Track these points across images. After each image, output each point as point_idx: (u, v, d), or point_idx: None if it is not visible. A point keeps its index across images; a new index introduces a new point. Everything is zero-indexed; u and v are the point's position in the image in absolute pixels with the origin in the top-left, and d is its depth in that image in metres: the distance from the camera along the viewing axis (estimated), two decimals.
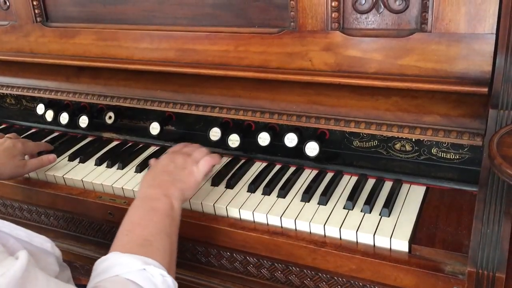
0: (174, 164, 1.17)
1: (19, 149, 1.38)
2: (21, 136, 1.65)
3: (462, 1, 1.05)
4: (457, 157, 1.21)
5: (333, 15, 1.18)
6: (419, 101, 1.16)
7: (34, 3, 1.56)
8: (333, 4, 1.17)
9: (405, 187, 1.21)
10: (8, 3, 1.61)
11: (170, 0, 1.38)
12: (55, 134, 1.67)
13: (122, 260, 0.90)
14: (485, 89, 1.06)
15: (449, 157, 1.22)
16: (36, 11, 1.57)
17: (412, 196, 1.17)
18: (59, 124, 1.63)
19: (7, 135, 1.46)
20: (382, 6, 1.14)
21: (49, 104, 1.68)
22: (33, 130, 1.72)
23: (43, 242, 0.99)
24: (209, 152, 1.25)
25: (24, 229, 0.98)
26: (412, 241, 1.04)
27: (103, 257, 0.93)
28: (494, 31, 1.04)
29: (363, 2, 1.15)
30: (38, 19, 1.58)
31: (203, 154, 1.23)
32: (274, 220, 1.16)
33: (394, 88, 1.17)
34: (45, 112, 1.65)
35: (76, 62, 1.55)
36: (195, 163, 1.19)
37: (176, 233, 1.06)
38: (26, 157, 1.44)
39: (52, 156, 1.43)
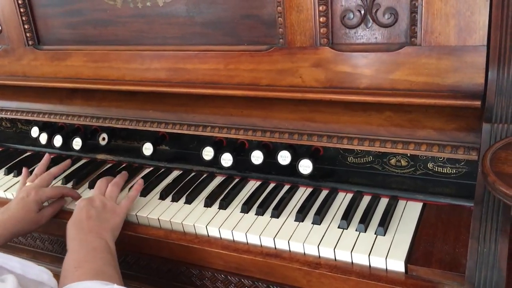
0: (94, 209, 1.20)
1: (32, 200, 1.28)
2: (18, 159, 1.65)
3: (451, 13, 1.03)
4: (454, 171, 1.18)
5: (321, 31, 1.17)
6: (413, 116, 1.13)
7: (26, 26, 1.56)
8: (321, 19, 1.16)
9: (401, 203, 1.18)
10: (0, 27, 1.61)
11: (160, 20, 1.37)
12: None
13: (83, 286, 0.89)
14: (478, 102, 1.03)
15: (445, 171, 1.19)
16: (28, 34, 1.57)
17: (409, 213, 1.14)
18: (53, 147, 1.62)
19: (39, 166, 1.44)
20: (371, 21, 1.12)
21: (44, 126, 1.67)
22: (28, 153, 1.71)
23: (39, 273, 0.98)
24: (118, 180, 1.33)
25: (19, 260, 0.97)
26: (408, 261, 1.01)
27: None
28: (485, 43, 1.02)
29: (352, 16, 1.13)
30: (30, 42, 1.58)
31: (116, 187, 1.30)
32: (267, 242, 1.14)
33: (387, 103, 1.15)
34: (39, 135, 1.64)
35: (68, 85, 1.55)
36: (113, 200, 1.25)
37: (118, 269, 1.08)
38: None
39: (62, 202, 1.37)
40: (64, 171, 1.48)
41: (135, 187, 1.32)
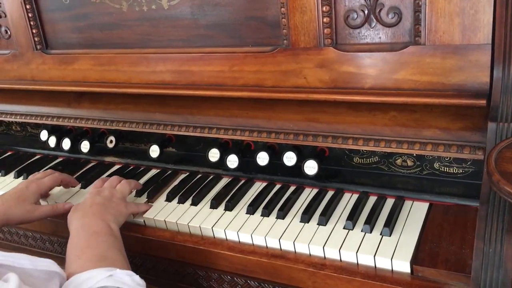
0: (101, 197, 1.22)
1: (32, 191, 1.29)
2: (27, 163, 1.67)
3: (455, 12, 1.02)
4: (461, 171, 1.17)
5: (325, 31, 1.16)
6: (418, 115, 1.13)
7: (34, 31, 1.58)
8: (325, 20, 1.15)
9: (407, 204, 1.17)
10: (9, 32, 1.63)
11: (165, 22, 1.38)
12: (59, 159, 1.68)
13: (87, 276, 0.91)
14: (483, 101, 1.02)
15: (452, 171, 1.18)
16: (36, 39, 1.59)
17: (415, 214, 1.14)
18: (62, 150, 1.63)
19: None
20: (375, 20, 1.12)
21: (52, 130, 1.69)
22: (37, 157, 1.73)
23: (49, 264, 0.98)
24: (132, 181, 1.35)
25: (27, 256, 0.97)
26: (414, 261, 1.00)
27: (66, 282, 0.92)
28: (490, 41, 1.01)
29: (355, 17, 1.13)
30: (38, 46, 1.60)
31: (128, 186, 1.31)
32: (272, 243, 1.13)
33: (392, 103, 1.14)
34: (48, 138, 1.66)
35: (76, 88, 1.56)
36: (122, 196, 1.26)
37: (124, 251, 1.08)
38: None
39: (68, 204, 1.31)
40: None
41: (146, 205, 1.32)
